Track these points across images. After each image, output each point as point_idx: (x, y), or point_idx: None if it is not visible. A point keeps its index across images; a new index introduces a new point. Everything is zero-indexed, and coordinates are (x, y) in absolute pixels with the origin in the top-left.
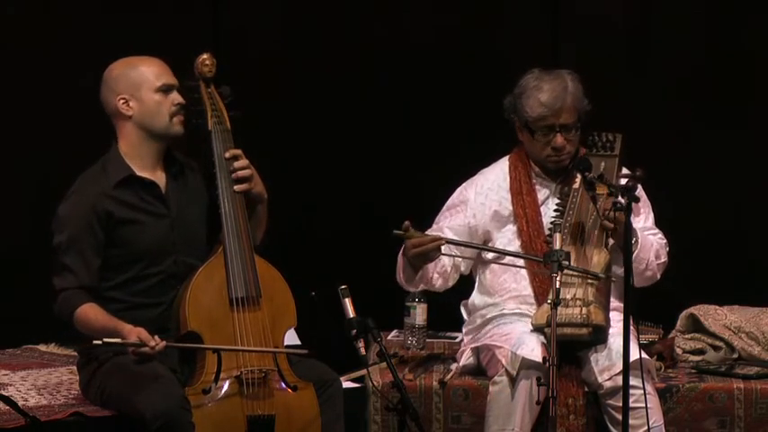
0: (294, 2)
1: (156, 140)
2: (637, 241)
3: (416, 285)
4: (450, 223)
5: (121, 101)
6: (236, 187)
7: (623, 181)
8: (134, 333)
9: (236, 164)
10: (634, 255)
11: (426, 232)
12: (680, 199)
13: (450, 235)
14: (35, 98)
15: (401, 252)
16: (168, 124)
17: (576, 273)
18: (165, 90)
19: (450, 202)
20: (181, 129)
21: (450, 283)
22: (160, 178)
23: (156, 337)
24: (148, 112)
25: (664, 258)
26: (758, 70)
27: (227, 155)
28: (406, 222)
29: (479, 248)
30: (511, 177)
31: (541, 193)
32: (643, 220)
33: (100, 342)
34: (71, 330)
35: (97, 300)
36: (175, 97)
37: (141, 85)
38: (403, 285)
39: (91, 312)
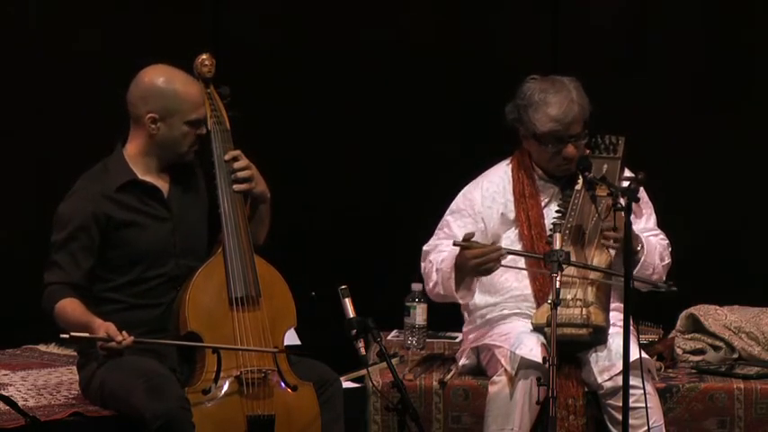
0: (294, 2)
1: (166, 159)
2: (643, 248)
3: (463, 298)
4: (464, 231)
5: (150, 118)
6: (235, 187)
7: (625, 184)
8: (103, 328)
9: (236, 164)
10: (641, 261)
11: (438, 239)
12: (680, 199)
13: None
14: (35, 98)
15: (446, 265)
16: (185, 153)
17: (576, 269)
18: (195, 124)
19: (454, 206)
20: (192, 157)
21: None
22: (163, 181)
23: (125, 332)
24: (172, 139)
25: (668, 260)
26: (758, 70)
27: (227, 156)
28: (470, 233)
29: (528, 256)
30: (514, 180)
31: (544, 196)
32: (644, 221)
33: (67, 336)
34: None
35: (86, 298)
36: (200, 130)
37: (176, 113)
38: (436, 297)
39: (69, 307)
